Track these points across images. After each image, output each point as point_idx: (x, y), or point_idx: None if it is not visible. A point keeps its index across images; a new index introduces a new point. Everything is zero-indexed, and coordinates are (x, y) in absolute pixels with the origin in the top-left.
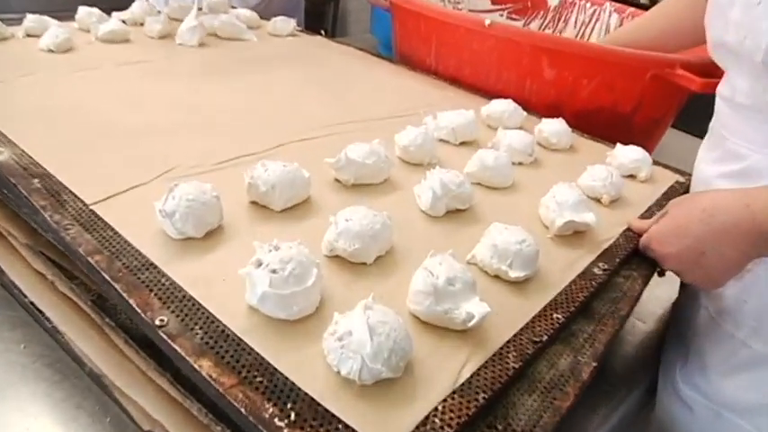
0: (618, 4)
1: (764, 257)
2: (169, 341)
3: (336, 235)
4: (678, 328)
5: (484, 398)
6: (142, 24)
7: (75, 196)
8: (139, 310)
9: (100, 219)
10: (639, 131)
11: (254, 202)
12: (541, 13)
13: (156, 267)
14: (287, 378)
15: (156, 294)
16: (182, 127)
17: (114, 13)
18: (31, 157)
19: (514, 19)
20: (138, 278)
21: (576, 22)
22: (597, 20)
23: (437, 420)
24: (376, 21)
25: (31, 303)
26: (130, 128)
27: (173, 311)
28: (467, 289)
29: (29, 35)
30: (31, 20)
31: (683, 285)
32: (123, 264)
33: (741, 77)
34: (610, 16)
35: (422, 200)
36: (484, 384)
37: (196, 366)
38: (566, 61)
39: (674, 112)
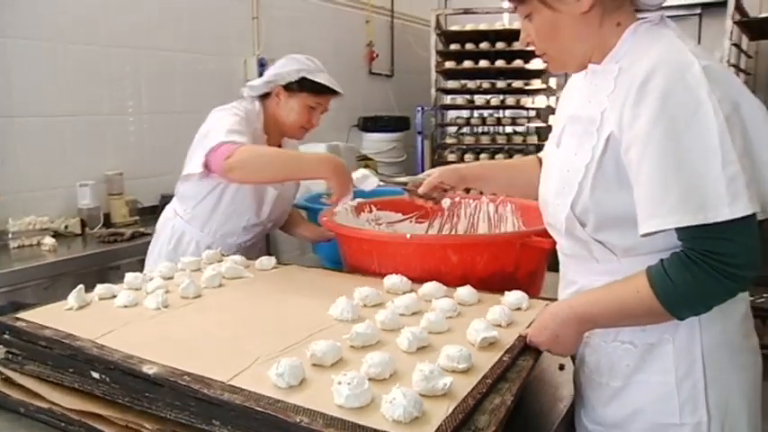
0: (491, 196)
1: (594, 330)
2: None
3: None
4: (576, 389)
5: (459, 416)
6: (171, 278)
7: (214, 380)
8: (279, 415)
9: (237, 387)
10: (524, 282)
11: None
12: (439, 214)
13: (279, 401)
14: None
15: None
16: (232, 333)
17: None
18: (170, 366)
19: (421, 222)
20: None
21: (465, 214)
22: (480, 210)
23: (443, 425)
24: (318, 245)
25: None
26: (212, 337)
27: (298, 413)
28: (441, 375)
29: (101, 299)
30: (101, 287)
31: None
32: (260, 403)
33: (559, 239)
34: (487, 205)
35: (402, 343)
36: (459, 412)
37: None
38: (463, 249)
39: (545, 263)
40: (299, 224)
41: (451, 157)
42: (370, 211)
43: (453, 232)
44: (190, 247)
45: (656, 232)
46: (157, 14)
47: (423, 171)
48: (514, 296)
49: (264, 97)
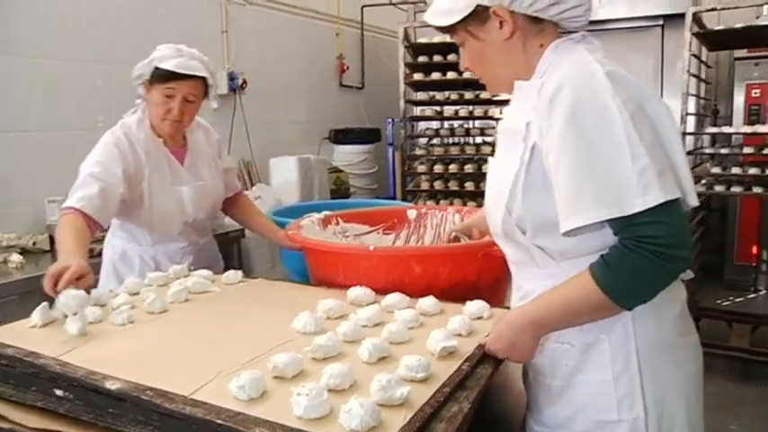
0: (457, 207)
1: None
2: None
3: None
4: (526, 392)
5: (416, 424)
6: (137, 294)
7: (177, 394)
8: (239, 427)
9: (199, 400)
10: (487, 291)
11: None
12: (406, 224)
13: (239, 413)
14: None
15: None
16: (197, 347)
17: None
18: (133, 382)
19: (388, 233)
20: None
21: (431, 225)
22: (445, 220)
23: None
24: (286, 257)
25: None
26: (180, 357)
27: (258, 425)
28: (399, 385)
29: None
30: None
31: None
32: (220, 416)
33: (504, 247)
34: (453, 216)
35: (363, 354)
36: (416, 420)
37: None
38: (426, 260)
39: (508, 272)
40: (254, 217)
41: (421, 168)
42: (337, 224)
43: (420, 243)
44: (135, 263)
45: (575, 229)
46: (127, 29)
47: (394, 182)
48: (475, 306)
49: None
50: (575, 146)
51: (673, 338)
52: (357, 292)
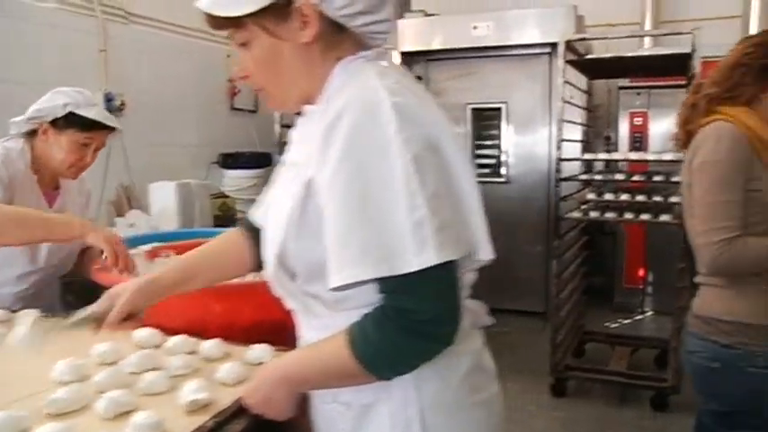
0: None
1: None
2: None
3: None
4: None
5: None
6: None
7: None
8: None
9: None
10: None
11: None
12: None
13: None
14: None
15: None
16: None
17: None
18: None
19: None
20: None
21: None
22: None
23: None
24: None
25: None
26: None
27: None
28: None
29: None
30: None
31: None
32: None
33: (277, 291)
34: None
35: (99, 408)
36: None
37: None
38: (224, 297)
39: None
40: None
41: None
42: (167, 257)
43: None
44: None
45: (341, 287)
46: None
47: None
48: (258, 350)
49: (33, 134)
50: (346, 188)
51: (461, 398)
52: (143, 333)
